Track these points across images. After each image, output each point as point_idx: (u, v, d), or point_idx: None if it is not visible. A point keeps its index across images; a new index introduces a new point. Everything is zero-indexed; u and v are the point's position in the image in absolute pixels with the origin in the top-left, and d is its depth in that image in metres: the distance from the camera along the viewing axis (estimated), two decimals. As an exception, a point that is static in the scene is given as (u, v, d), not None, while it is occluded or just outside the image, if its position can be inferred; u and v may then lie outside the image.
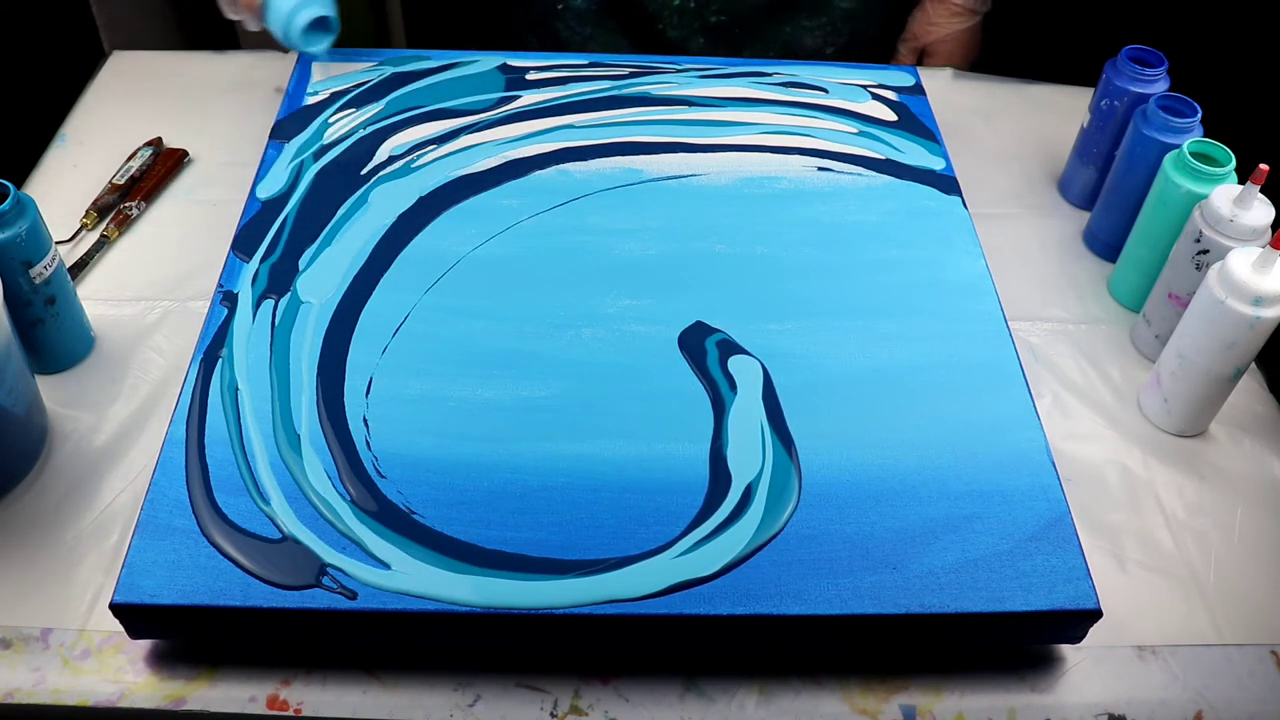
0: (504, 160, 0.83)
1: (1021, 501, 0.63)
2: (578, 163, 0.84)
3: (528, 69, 0.92)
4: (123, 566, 0.58)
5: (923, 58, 1.10)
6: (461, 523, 0.60)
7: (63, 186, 0.86)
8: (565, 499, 0.62)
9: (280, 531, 0.59)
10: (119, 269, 0.82)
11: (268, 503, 0.61)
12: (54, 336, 0.72)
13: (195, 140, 0.92)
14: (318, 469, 0.62)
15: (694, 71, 0.93)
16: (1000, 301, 0.75)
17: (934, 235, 0.80)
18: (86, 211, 0.84)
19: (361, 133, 0.85)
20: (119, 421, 0.71)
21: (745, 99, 0.90)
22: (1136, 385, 0.77)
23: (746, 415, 0.66)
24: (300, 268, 0.74)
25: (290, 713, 0.59)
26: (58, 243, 0.81)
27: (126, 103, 0.96)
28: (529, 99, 0.89)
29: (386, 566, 0.58)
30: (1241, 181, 0.72)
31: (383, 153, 0.83)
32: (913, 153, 0.86)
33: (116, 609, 0.57)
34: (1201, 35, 1.13)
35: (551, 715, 0.59)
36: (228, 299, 0.72)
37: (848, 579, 0.59)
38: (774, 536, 0.60)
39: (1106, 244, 0.86)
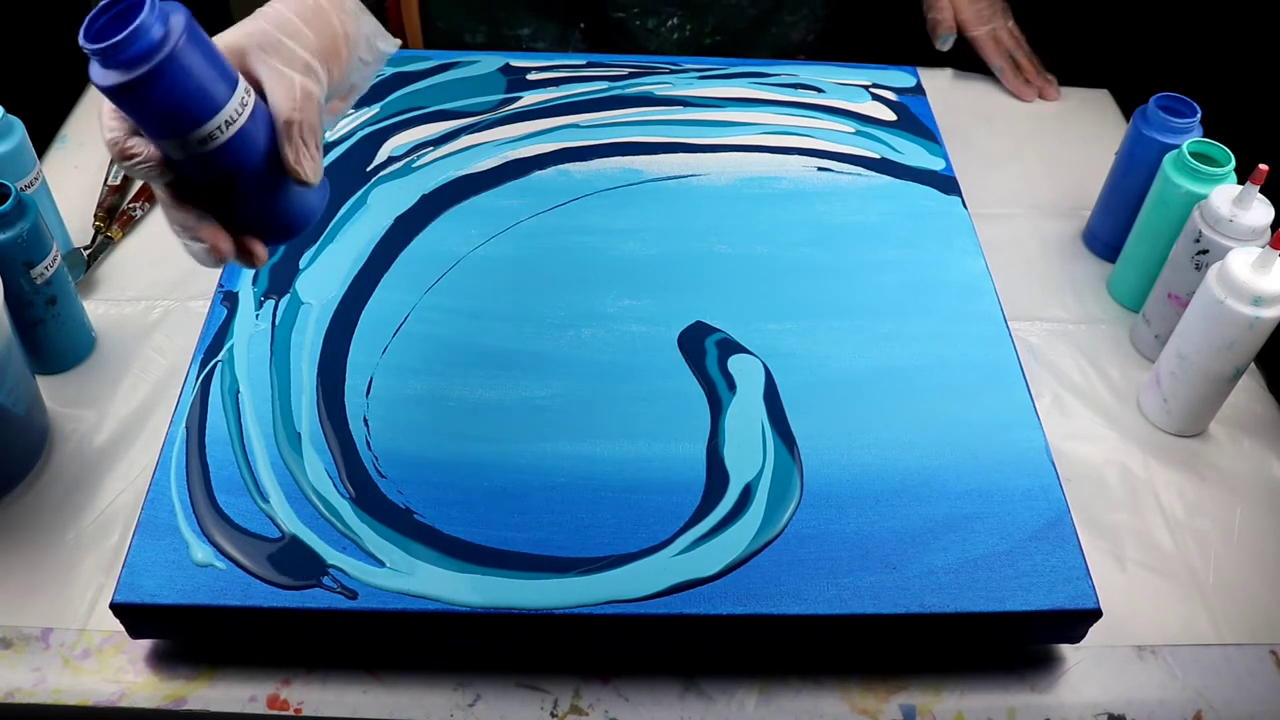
0: (504, 160, 0.83)
1: (1021, 501, 0.63)
2: (578, 163, 0.84)
3: (528, 69, 0.92)
4: (123, 566, 0.58)
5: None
6: (461, 522, 0.60)
7: (64, 187, 0.86)
8: (565, 499, 0.62)
9: (280, 531, 0.59)
10: (120, 269, 0.82)
11: (268, 502, 0.61)
12: (55, 336, 0.72)
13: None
14: (318, 469, 0.62)
15: (693, 72, 0.93)
16: (1000, 301, 0.75)
17: (934, 235, 0.80)
18: (96, 214, 0.84)
19: (361, 133, 0.85)
20: (119, 421, 0.71)
21: (745, 99, 0.90)
22: (1136, 385, 0.77)
23: (746, 415, 0.66)
24: (300, 268, 0.74)
25: (290, 713, 0.59)
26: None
27: (127, 103, 0.96)
28: (529, 99, 0.89)
29: (386, 566, 0.58)
30: (1241, 181, 0.72)
31: (383, 153, 0.83)
32: (912, 153, 0.86)
33: (117, 609, 0.57)
34: (1202, 36, 1.12)
35: (551, 715, 0.59)
36: (228, 299, 0.72)
37: (848, 579, 0.59)
38: (776, 536, 0.60)
39: (1106, 244, 0.86)
